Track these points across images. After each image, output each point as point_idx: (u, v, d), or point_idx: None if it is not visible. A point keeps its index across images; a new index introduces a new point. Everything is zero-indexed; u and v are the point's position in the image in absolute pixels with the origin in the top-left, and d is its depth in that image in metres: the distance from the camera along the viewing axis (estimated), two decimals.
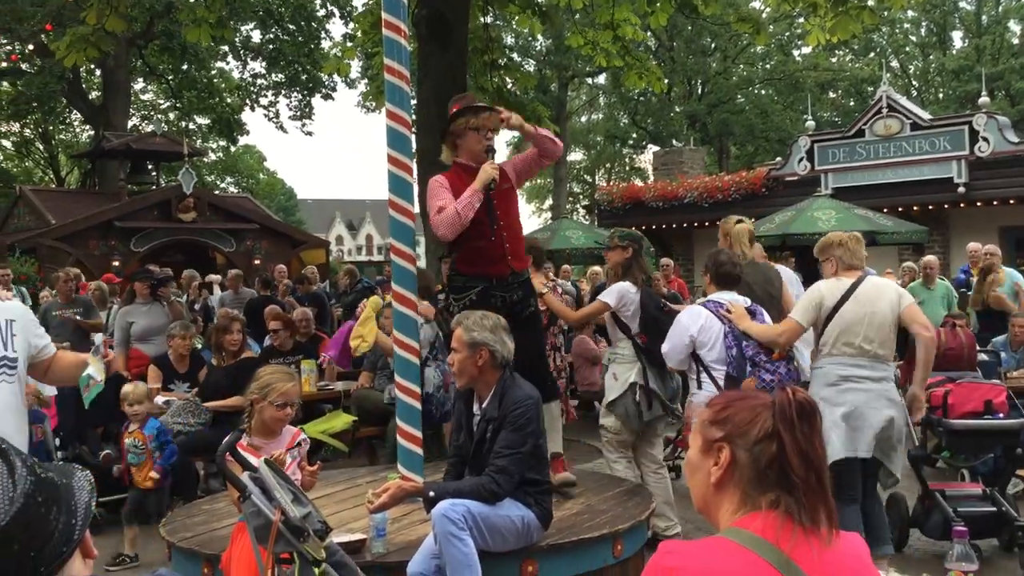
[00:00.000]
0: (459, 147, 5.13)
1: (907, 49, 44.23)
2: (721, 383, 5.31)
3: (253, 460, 3.74)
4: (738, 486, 1.82)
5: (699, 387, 5.46)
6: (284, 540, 3.35)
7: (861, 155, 19.47)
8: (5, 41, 27.85)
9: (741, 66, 40.96)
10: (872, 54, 42.26)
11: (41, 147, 37.40)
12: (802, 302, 5.33)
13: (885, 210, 17.14)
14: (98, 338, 4.03)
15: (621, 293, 6.21)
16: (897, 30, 43.28)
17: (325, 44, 30.44)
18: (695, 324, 5.48)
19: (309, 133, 41.30)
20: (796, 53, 41.00)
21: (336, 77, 28.15)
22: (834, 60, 41.96)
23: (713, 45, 39.63)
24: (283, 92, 32.59)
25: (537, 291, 5.56)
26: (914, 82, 44.25)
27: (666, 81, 13.62)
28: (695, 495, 1.92)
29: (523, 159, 5.35)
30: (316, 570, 3.37)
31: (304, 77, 31.43)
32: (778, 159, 23.22)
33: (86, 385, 3.73)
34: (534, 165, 5.37)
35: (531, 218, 53.54)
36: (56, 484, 1.53)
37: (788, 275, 6.78)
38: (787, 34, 38.30)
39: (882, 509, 5.55)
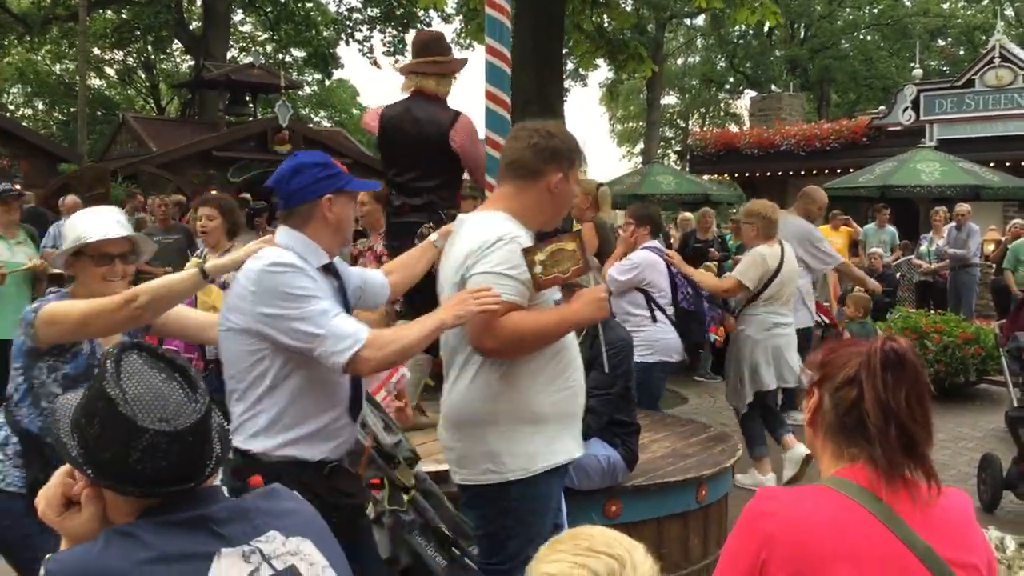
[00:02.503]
0: None
1: None
2: (674, 318, 5.96)
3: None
4: (825, 431, 1.81)
5: (654, 321, 5.96)
6: (375, 465, 3.43)
7: (969, 106, 18.67)
8: None
9: (847, 10, 39.44)
10: (986, 1, 40.32)
11: (143, 76, 38.22)
12: (748, 266, 6.14)
13: (992, 164, 16.53)
14: None
15: None
16: None
17: None
18: (651, 269, 5.98)
19: None
20: None
21: (432, 13, 28.02)
22: (945, 6, 40.12)
23: None
24: (378, 27, 32.64)
25: None
26: None
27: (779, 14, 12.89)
28: (807, 438, 1.93)
29: None
30: (405, 496, 3.45)
31: (399, 12, 31.40)
32: (881, 108, 22.42)
33: None
34: None
35: (620, 162, 52.93)
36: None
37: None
38: None
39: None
